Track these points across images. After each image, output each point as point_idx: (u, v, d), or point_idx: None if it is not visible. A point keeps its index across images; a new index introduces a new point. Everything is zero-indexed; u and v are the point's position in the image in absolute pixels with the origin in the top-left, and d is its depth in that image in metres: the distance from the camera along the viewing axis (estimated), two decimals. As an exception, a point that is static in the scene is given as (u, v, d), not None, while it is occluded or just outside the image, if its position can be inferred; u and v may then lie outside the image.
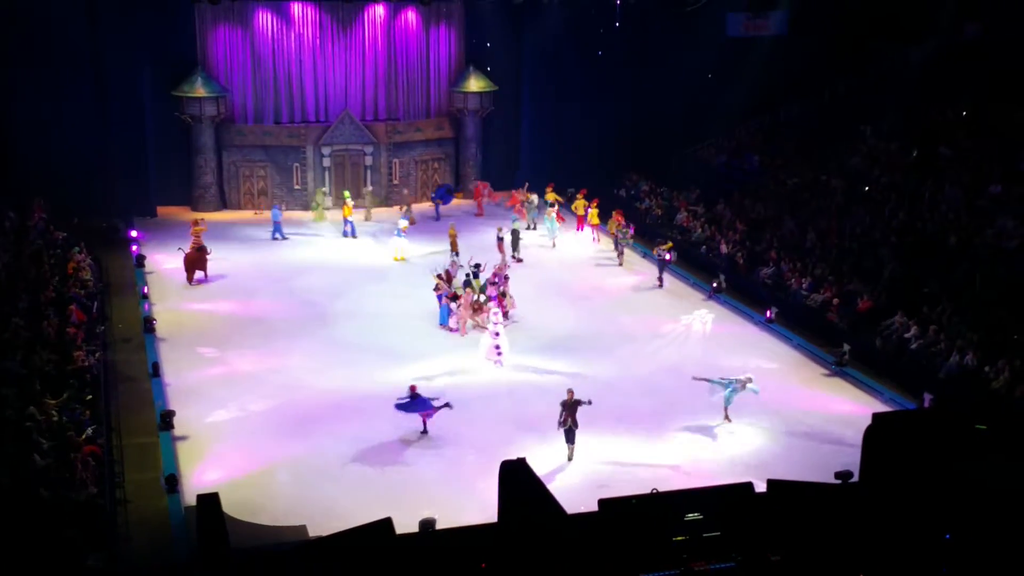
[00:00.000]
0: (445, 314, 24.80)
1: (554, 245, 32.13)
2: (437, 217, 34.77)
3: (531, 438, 18.78)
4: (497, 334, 22.71)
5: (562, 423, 18.33)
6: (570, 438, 18.32)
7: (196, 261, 28.30)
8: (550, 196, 33.47)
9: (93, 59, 31.75)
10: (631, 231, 31.01)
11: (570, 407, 18.27)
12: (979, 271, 23.11)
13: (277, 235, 32.45)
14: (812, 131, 33.78)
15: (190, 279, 27.99)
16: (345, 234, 32.93)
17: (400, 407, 18.97)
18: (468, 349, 23.56)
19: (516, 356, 22.99)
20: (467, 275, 26.10)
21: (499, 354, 22.57)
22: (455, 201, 36.23)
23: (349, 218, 33.17)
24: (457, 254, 28.89)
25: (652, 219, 33.62)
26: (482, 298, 24.89)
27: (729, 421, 19.72)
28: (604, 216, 32.54)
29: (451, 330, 24.55)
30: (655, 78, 35.94)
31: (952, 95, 30.62)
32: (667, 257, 28.81)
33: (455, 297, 24.75)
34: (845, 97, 34.53)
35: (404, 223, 31.48)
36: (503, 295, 25.20)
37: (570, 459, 18.30)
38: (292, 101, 36.15)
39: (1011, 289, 22.11)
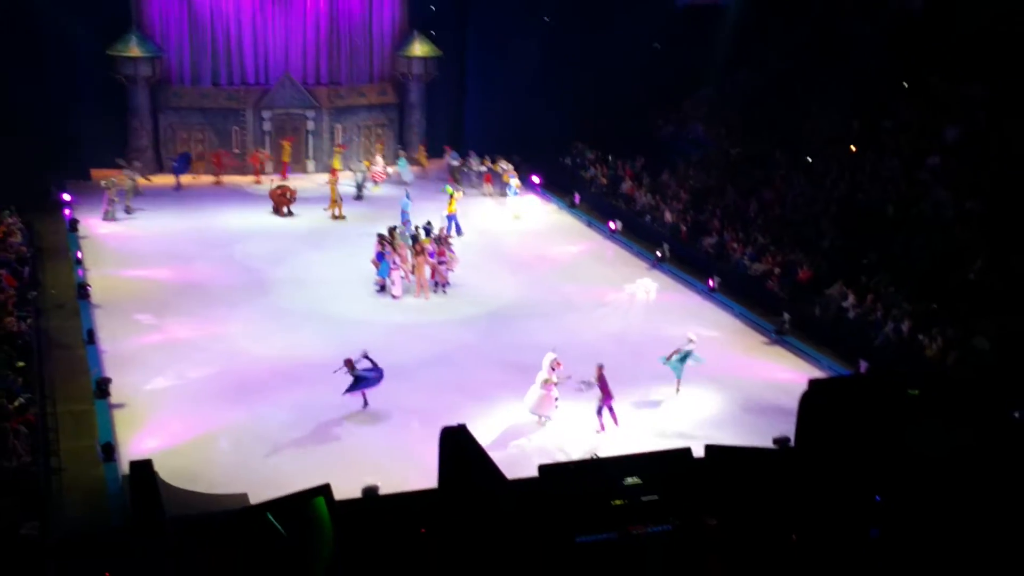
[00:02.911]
0: (386, 269, 24.68)
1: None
2: (178, 187, 33.20)
3: (474, 405, 18.79)
4: (549, 383, 18.27)
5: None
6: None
7: (279, 197, 30.92)
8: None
9: (26, 15, 30.75)
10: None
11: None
12: (915, 241, 23.54)
13: (408, 224, 27.69)
14: (757, 103, 33.98)
15: (278, 210, 30.92)
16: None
17: (349, 390, 18.61)
18: (407, 313, 23.52)
19: (459, 324, 22.97)
20: (411, 235, 26.08)
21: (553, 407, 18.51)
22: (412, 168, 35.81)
23: (453, 215, 28.67)
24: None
25: (597, 187, 33.64)
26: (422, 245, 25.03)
27: (678, 392, 19.82)
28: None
29: (394, 296, 24.46)
30: (602, 47, 35.77)
31: (896, 69, 30.94)
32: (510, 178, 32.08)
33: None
34: (791, 70, 34.74)
35: (516, 181, 32.03)
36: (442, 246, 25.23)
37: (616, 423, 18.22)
38: (231, 63, 35.46)
39: (945, 260, 22.56)
